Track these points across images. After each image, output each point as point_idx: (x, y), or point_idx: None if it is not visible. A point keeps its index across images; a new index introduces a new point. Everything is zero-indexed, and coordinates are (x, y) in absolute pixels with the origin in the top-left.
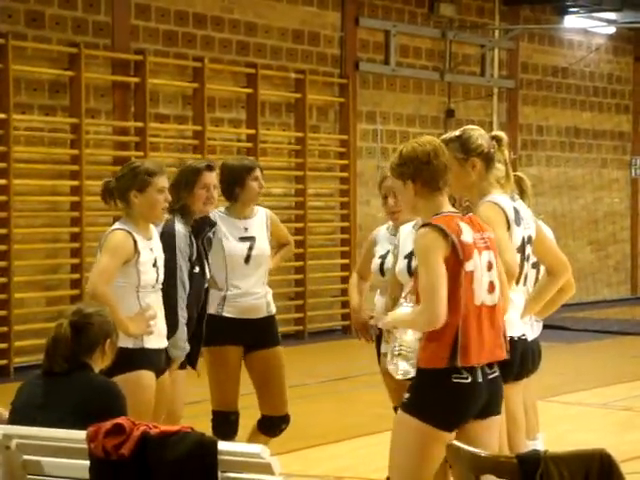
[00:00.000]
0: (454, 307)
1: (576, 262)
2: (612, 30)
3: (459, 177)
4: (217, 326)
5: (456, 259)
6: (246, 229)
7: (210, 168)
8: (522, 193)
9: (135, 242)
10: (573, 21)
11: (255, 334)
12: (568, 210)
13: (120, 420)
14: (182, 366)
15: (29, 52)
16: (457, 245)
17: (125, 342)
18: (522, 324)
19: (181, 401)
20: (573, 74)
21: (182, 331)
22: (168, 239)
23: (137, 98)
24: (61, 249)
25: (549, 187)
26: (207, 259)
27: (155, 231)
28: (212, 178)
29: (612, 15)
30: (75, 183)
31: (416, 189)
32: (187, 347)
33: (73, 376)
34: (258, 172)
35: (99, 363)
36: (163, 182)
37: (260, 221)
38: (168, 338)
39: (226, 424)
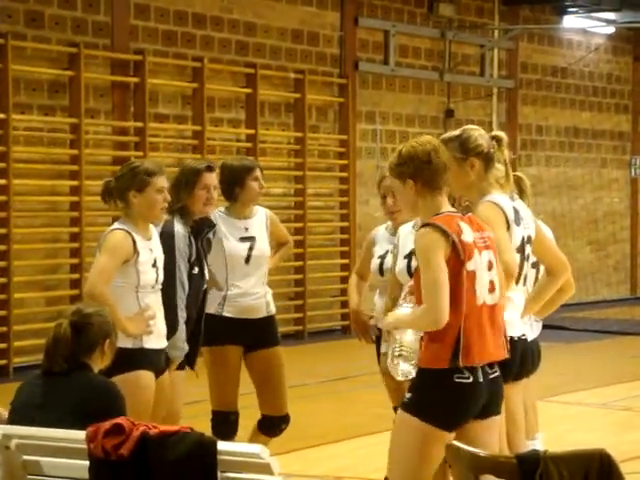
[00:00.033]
0: (456, 307)
1: (576, 262)
2: (611, 30)
3: (458, 177)
4: (217, 326)
5: (457, 259)
6: (246, 229)
7: (210, 169)
8: (521, 193)
9: (134, 242)
10: (572, 21)
11: (255, 334)
12: (568, 210)
13: (119, 420)
14: (181, 366)
15: (28, 52)
16: (458, 245)
17: (124, 342)
18: (522, 324)
19: (181, 401)
20: (572, 74)
21: (181, 331)
22: (167, 239)
23: (136, 98)
24: (60, 249)
25: (548, 187)
26: (206, 260)
27: (155, 231)
28: (212, 179)
29: (611, 15)
30: (74, 183)
31: (416, 188)
32: (186, 347)
33: (72, 376)
34: (258, 172)
35: (98, 363)
36: (162, 182)
37: (260, 221)
38: (168, 338)
39: (226, 424)
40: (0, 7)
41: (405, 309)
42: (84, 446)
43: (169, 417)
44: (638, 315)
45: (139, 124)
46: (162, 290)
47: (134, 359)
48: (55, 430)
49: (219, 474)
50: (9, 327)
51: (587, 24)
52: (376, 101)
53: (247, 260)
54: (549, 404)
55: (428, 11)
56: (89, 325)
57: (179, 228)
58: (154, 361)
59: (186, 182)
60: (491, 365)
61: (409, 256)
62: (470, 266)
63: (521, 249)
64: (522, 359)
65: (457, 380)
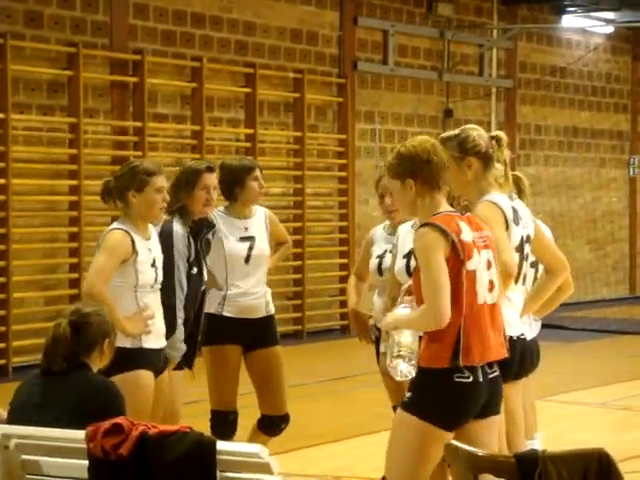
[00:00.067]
0: (456, 307)
1: (574, 261)
2: (610, 29)
3: (456, 176)
4: (217, 325)
5: (456, 258)
6: (246, 229)
7: (210, 169)
8: (520, 193)
9: (133, 242)
10: (571, 20)
11: (254, 334)
12: (566, 209)
13: (119, 420)
14: (179, 367)
15: (27, 52)
16: (457, 245)
17: (123, 342)
18: (521, 323)
19: (180, 401)
20: (571, 73)
21: (179, 332)
22: (166, 239)
23: (135, 98)
24: (59, 249)
25: (547, 186)
26: (205, 260)
27: (154, 231)
28: (212, 179)
29: (610, 14)
30: (74, 183)
31: (416, 188)
32: (183, 348)
33: (72, 376)
34: (258, 172)
35: (97, 363)
36: (161, 182)
37: (259, 221)
38: (166, 338)
39: (225, 424)
40: None
41: (403, 310)
42: (83, 446)
43: (169, 417)
44: (637, 314)
45: (138, 124)
46: (161, 290)
47: (133, 359)
48: (54, 430)
49: (218, 474)
50: (8, 327)
51: (586, 23)
52: (375, 101)
53: (247, 260)
54: (548, 403)
55: (427, 11)
56: (88, 325)
57: (178, 228)
58: (153, 361)
59: (186, 182)
60: (490, 365)
61: (408, 256)
62: (470, 266)
63: (520, 248)
64: (521, 358)
65: (457, 380)
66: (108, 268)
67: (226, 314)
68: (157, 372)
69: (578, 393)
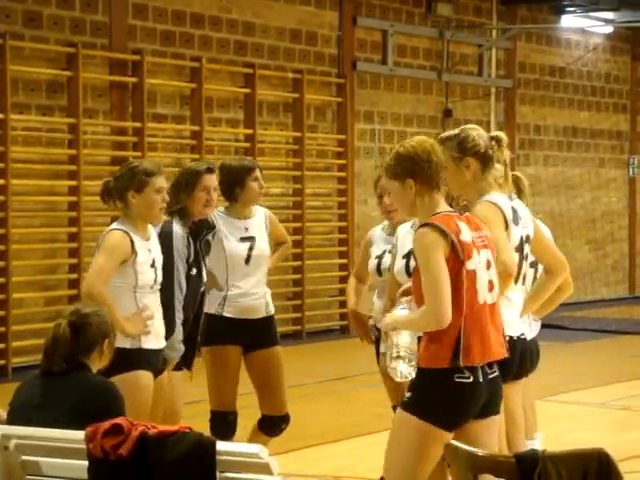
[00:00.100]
0: (456, 307)
1: (574, 261)
2: (609, 29)
3: (454, 176)
4: (218, 326)
5: (456, 259)
6: (246, 229)
7: (210, 170)
8: (519, 193)
9: (132, 242)
10: (570, 20)
11: (254, 334)
12: (566, 209)
13: (118, 420)
14: (178, 367)
15: (27, 52)
16: (457, 245)
17: (123, 342)
18: (521, 323)
19: (181, 401)
20: (570, 73)
21: (178, 332)
22: (166, 240)
23: (135, 98)
24: (59, 249)
25: (547, 186)
26: (204, 261)
27: (154, 232)
28: (212, 180)
29: (609, 14)
30: (73, 183)
31: (416, 188)
32: (182, 348)
33: (71, 376)
34: (258, 172)
35: (97, 363)
36: (161, 182)
37: (259, 221)
38: (166, 339)
39: (224, 424)
40: None
41: (402, 311)
42: (83, 446)
43: (169, 416)
44: (636, 314)
45: (137, 124)
46: (160, 290)
47: (132, 359)
48: (54, 430)
49: (218, 474)
50: (8, 327)
51: (585, 23)
52: (374, 101)
53: (247, 260)
54: (548, 403)
55: (426, 11)
56: (87, 325)
57: (178, 229)
58: (152, 361)
59: (186, 183)
60: (490, 365)
61: (407, 256)
62: (470, 265)
63: (520, 248)
64: (521, 358)
65: (457, 380)
66: (107, 268)
67: (226, 314)
68: (156, 372)
69: (578, 393)
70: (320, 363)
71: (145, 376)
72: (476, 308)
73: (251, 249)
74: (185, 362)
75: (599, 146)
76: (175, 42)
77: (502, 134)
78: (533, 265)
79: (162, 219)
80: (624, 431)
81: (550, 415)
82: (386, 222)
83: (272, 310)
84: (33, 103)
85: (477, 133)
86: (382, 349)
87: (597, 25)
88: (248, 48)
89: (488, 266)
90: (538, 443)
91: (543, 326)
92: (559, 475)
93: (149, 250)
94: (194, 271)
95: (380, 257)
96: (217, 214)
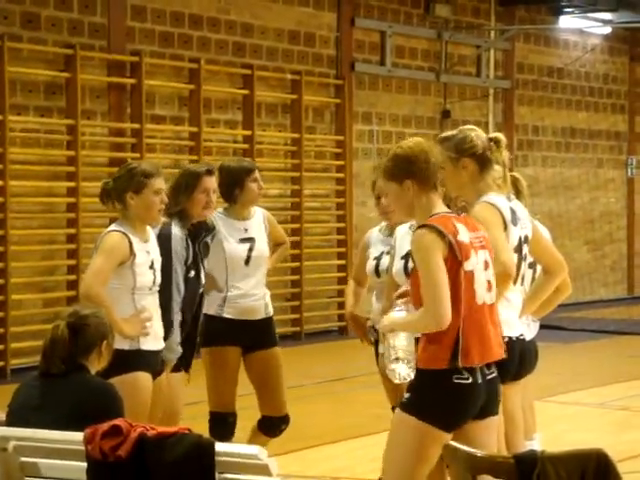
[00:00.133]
0: (455, 308)
1: (572, 262)
2: (607, 30)
3: (452, 176)
4: (217, 327)
5: (454, 260)
6: (246, 230)
7: (210, 172)
8: (518, 193)
9: (130, 244)
10: (568, 21)
11: (254, 335)
12: (564, 210)
13: (117, 422)
14: (177, 368)
15: (25, 53)
16: (455, 246)
17: (121, 344)
18: (520, 324)
19: (181, 402)
20: (569, 74)
21: (176, 334)
22: (164, 242)
23: (133, 99)
24: (57, 250)
25: (545, 187)
26: (203, 264)
27: (152, 233)
28: (212, 182)
29: (607, 15)
30: (71, 184)
31: (414, 189)
32: (179, 350)
33: (70, 377)
34: (257, 173)
35: (95, 364)
36: (159, 184)
37: (258, 222)
38: (163, 341)
39: (224, 425)
40: None
41: (399, 312)
42: (82, 448)
43: (170, 417)
44: (635, 315)
45: (136, 125)
46: (158, 292)
47: (131, 361)
48: (53, 432)
49: (217, 475)
50: (6, 329)
51: (583, 24)
52: (372, 102)
53: (247, 261)
54: (546, 404)
55: (424, 12)
56: (86, 326)
57: (177, 231)
58: (151, 362)
59: (186, 185)
60: (489, 366)
61: (406, 257)
62: (468, 266)
63: (518, 249)
64: (520, 359)
65: (456, 381)
66: (105, 270)
67: (226, 316)
68: (155, 374)
69: (576, 394)
70: (319, 364)
71: (144, 377)
72: (474, 309)
73: (251, 250)
74: (183, 364)
75: (597, 147)
76: (173, 43)
77: (501, 135)
78: (532, 266)
79: (161, 220)
80: (623, 431)
81: (549, 416)
82: (383, 223)
83: (271, 311)
84: (31, 104)
85: (475, 134)
86: (381, 350)
87: (595, 26)
88: (246, 49)
89: (486, 267)
90: (537, 444)
91: (542, 327)
92: (558, 476)
93: (147, 252)
94: (192, 273)
95: (378, 258)
96: (216, 215)
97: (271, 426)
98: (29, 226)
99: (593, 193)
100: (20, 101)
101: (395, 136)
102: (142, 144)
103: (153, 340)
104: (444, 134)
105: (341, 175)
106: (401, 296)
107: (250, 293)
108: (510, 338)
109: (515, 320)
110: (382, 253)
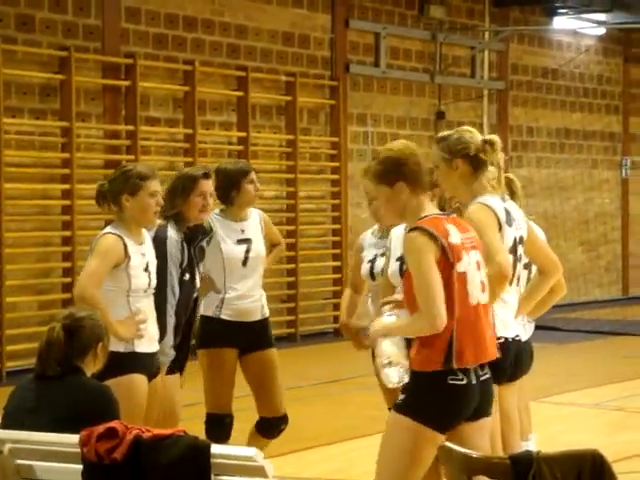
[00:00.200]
0: (448, 310)
1: (567, 263)
2: (602, 31)
3: (445, 177)
4: (215, 328)
5: (446, 261)
6: (243, 231)
7: (207, 176)
8: (512, 194)
9: (125, 246)
10: (563, 22)
11: (250, 337)
12: (559, 211)
13: (113, 424)
14: (171, 372)
15: (19, 56)
16: (447, 248)
17: (116, 346)
18: (516, 325)
19: (179, 403)
20: (563, 75)
21: (169, 337)
22: (160, 244)
23: (128, 101)
24: (52, 253)
25: (539, 188)
26: (198, 267)
27: (148, 236)
28: (208, 186)
29: (602, 16)
30: (66, 187)
31: (406, 191)
32: (172, 353)
33: (66, 380)
34: (253, 175)
35: (91, 367)
36: (155, 186)
37: (255, 223)
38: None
39: (220, 427)
40: None
41: (389, 317)
42: (77, 450)
43: (168, 418)
44: (629, 315)
45: (130, 127)
46: (153, 295)
47: (126, 363)
48: (48, 434)
49: (213, 477)
50: (1, 331)
51: (577, 25)
52: (367, 103)
53: (244, 262)
54: (542, 405)
55: (419, 13)
56: (81, 328)
57: (172, 234)
58: (146, 365)
59: (182, 188)
60: (482, 367)
61: (401, 258)
62: (460, 267)
63: (513, 250)
64: (516, 360)
65: (450, 382)
66: (100, 272)
67: (224, 317)
68: (150, 376)
69: (571, 394)
70: (314, 366)
71: (139, 380)
72: (468, 310)
73: (248, 251)
74: (177, 367)
75: (592, 148)
76: (168, 45)
77: (496, 137)
78: (527, 266)
79: (156, 223)
80: (618, 432)
81: (544, 416)
82: (376, 226)
83: (267, 313)
84: (26, 107)
85: (470, 135)
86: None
87: (589, 27)
88: (241, 51)
89: (478, 267)
90: (532, 444)
91: (537, 327)
92: (553, 476)
93: (142, 254)
94: (187, 276)
95: (372, 261)
96: (213, 217)
97: (270, 427)
98: (24, 228)
99: (588, 194)
100: (15, 103)
101: (390, 137)
102: (137, 146)
103: (148, 342)
104: (441, 133)
105: (336, 177)
106: (389, 303)
107: (248, 294)
108: (506, 339)
109: (511, 321)
110: (376, 256)
